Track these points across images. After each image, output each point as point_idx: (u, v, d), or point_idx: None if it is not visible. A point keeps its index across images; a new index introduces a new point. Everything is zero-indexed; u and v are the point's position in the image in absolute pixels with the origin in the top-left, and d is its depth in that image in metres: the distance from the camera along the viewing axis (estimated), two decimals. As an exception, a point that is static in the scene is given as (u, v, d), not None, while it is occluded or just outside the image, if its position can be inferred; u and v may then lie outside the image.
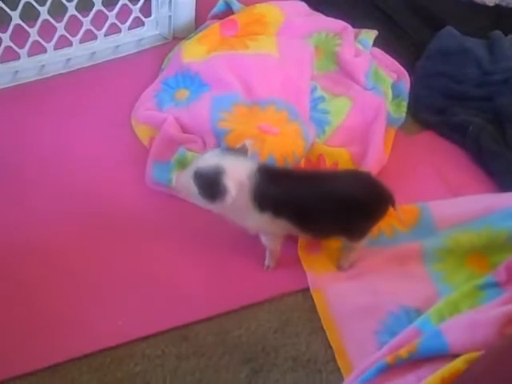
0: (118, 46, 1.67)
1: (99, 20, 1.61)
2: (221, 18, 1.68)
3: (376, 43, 1.69)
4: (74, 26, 1.58)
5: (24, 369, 1.10)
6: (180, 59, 1.54)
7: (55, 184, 1.37)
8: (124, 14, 1.64)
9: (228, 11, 1.72)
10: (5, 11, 1.46)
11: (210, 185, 1.11)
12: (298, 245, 1.29)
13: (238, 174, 1.11)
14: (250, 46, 1.55)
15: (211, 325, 1.19)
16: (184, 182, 1.15)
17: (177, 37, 1.72)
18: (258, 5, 1.64)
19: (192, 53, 1.53)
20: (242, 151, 1.16)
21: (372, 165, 1.41)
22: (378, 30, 1.71)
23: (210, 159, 1.13)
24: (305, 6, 1.73)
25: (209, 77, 1.48)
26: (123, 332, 1.17)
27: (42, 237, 1.29)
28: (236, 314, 1.21)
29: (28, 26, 1.51)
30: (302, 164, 1.39)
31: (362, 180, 1.22)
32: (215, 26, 1.60)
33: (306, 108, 1.47)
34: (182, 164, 1.33)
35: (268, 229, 1.20)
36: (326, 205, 1.16)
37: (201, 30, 1.64)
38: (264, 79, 1.49)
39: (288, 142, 1.36)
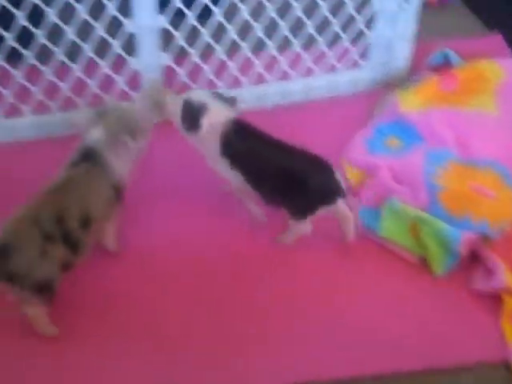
0: (332, 85, 1.71)
1: (319, 58, 1.66)
2: (436, 69, 1.68)
3: None
4: (295, 61, 1.65)
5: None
6: (396, 108, 1.56)
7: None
8: (343, 55, 1.69)
9: (445, 63, 1.71)
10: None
11: (190, 117, 1.27)
12: (502, 315, 1.25)
13: (216, 117, 1.26)
14: (469, 102, 1.54)
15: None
16: (173, 107, 1.29)
17: (389, 83, 1.73)
18: (478, 61, 1.62)
19: (409, 103, 1.55)
20: (231, 100, 1.30)
21: None
22: None
23: (200, 96, 1.28)
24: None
25: (425, 130, 1.49)
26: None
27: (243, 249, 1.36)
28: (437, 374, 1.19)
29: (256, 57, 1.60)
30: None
31: (317, 163, 1.28)
32: (434, 79, 1.60)
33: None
34: (392, 213, 1.35)
35: (226, 175, 1.31)
36: (274, 172, 1.26)
37: (417, 81, 1.64)
38: (482, 138, 1.47)
39: (505, 209, 1.34)
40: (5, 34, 1.39)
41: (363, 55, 1.72)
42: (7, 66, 1.43)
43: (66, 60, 1.46)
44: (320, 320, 1.25)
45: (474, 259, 1.33)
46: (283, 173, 1.27)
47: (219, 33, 1.53)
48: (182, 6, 1.45)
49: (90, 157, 1.21)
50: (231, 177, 1.31)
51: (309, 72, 1.68)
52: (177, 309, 1.26)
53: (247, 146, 1.29)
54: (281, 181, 1.27)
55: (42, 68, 1.46)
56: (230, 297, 1.29)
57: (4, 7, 1.35)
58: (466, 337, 1.24)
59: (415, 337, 1.23)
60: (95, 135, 1.22)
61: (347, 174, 1.49)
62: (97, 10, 1.41)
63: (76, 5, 1.38)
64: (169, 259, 1.34)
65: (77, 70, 1.48)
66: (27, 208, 1.13)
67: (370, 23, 1.66)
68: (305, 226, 1.31)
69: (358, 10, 1.61)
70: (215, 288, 1.30)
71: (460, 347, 1.22)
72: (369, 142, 1.53)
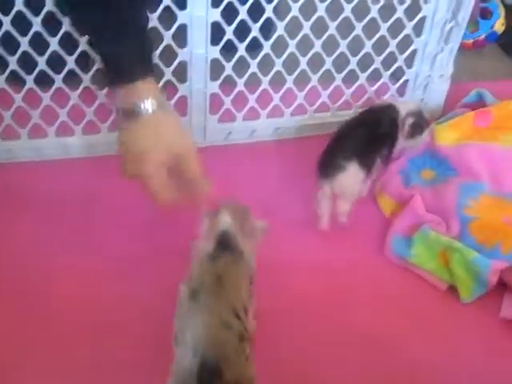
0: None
1: (358, 93, 1.74)
2: (470, 107, 1.75)
3: None
4: (336, 95, 1.72)
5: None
6: (431, 141, 1.62)
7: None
8: (383, 90, 1.77)
9: (478, 102, 1.78)
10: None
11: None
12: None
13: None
14: (500, 138, 1.59)
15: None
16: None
17: (425, 118, 1.81)
18: (512, 101, 1.69)
19: (444, 137, 1.61)
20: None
21: None
22: None
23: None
24: None
25: (458, 163, 1.55)
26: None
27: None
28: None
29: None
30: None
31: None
32: (470, 115, 1.66)
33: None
34: (424, 240, 1.40)
35: None
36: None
37: (451, 117, 1.71)
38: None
39: (534, 240, 1.38)
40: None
41: (401, 92, 1.79)
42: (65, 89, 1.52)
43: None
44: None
45: (502, 288, 1.37)
46: None
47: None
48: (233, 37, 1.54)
49: (227, 246, 1.11)
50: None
51: (347, 106, 1.76)
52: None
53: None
54: None
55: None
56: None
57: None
58: (491, 364, 1.28)
59: (440, 359, 1.28)
60: (226, 220, 1.13)
61: (382, 205, 1.56)
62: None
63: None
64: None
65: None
66: (209, 314, 1.03)
67: (409, 61, 1.73)
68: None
69: (399, 48, 1.68)
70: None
71: (484, 373, 1.26)
72: (404, 174, 1.60)
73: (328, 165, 1.42)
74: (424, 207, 1.47)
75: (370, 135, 1.47)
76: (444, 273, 1.39)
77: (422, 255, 1.40)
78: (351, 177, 1.41)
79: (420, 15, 1.65)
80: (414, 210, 1.46)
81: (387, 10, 1.63)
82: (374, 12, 1.60)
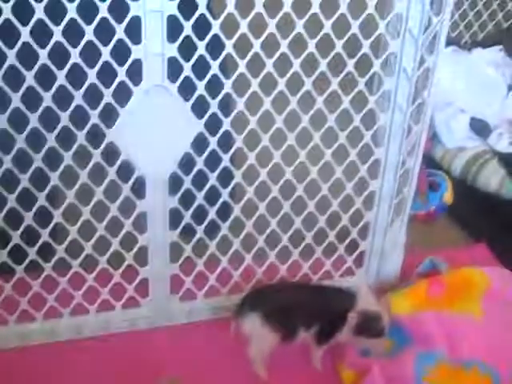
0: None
1: (317, 267, 1.80)
2: (425, 275, 1.80)
3: None
4: (295, 269, 1.78)
5: None
6: (386, 311, 1.65)
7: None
8: (340, 263, 1.83)
9: (433, 269, 1.84)
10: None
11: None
12: None
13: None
14: (456, 307, 1.63)
15: None
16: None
17: (378, 287, 1.83)
18: (464, 269, 1.74)
19: (398, 306, 1.64)
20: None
21: None
22: None
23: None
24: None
25: (414, 332, 1.58)
26: None
27: None
28: None
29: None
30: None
31: None
32: (423, 283, 1.71)
33: (510, 374, 1.49)
34: None
35: None
36: None
37: (406, 286, 1.76)
38: (467, 340, 1.54)
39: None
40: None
41: (357, 263, 1.86)
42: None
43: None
44: None
45: None
46: None
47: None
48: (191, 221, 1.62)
49: None
50: None
51: (307, 279, 1.81)
52: None
53: None
54: None
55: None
56: None
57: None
58: None
59: None
60: None
61: (343, 376, 1.57)
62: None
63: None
64: None
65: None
66: None
67: (362, 233, 1.81)
68: None
69: (351, 221, 1.77)
70: None
71: None
72: (363, 345, 1.62)
73: (238, 307, 1.54)
74: (383, 378, 1.48)
75: (300, 304, 1.53)
76: None
77: (382, 428, 1.40)
78: (250, 327, 1.50)
79: (368, 190, 1.75)
80: (373, 381, 1.47)
81: (336, 188, 1.73)
82: (324, 190, 1.70)
